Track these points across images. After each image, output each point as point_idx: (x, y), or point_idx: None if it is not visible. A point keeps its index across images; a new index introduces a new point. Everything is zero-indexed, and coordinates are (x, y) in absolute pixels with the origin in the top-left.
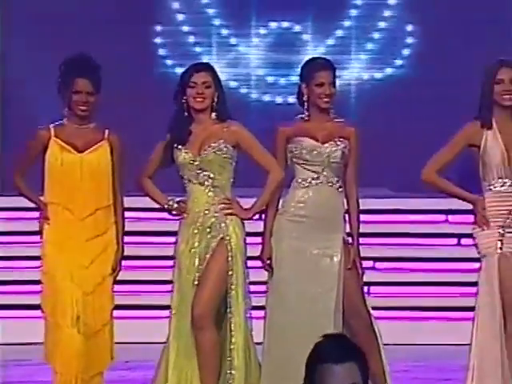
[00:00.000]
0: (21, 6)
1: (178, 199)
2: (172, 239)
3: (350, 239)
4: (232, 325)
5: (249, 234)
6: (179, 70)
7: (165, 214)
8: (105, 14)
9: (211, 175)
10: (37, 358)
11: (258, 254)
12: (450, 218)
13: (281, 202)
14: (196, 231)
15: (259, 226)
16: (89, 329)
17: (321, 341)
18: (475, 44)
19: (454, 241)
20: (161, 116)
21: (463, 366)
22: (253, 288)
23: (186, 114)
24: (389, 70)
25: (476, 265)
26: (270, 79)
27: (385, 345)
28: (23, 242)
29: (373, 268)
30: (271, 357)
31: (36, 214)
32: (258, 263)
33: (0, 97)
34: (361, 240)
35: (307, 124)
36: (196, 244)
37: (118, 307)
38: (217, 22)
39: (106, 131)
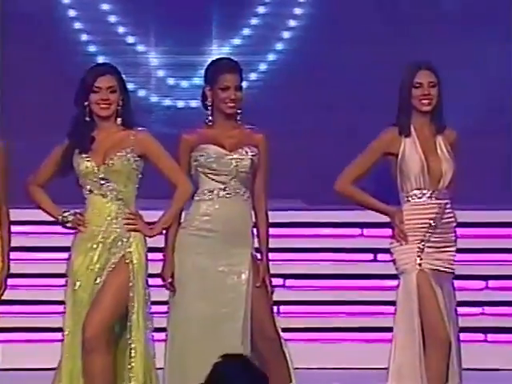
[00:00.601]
0: None
1: (73, 211)
2: (64, 255)
3: (258, 255)
4: (132, 351)
5: (149, 250)
6: None
7: (56, 228)
8: None
9: (116, 187)
10: None
11: (159, 271)
12: (366, 231)
13: (183, 214)
14: (95, 246)
15: (160, 241)
16: None
17: (220, 362)
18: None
19: (370, 256)
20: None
21: None
22: (154, 308)
23: (89, 119)
24: None
25: (393, 282)
26: (171, 81)
27: (296, 369)
28: None
29: (283, 286)
30: (173, 383)
31: None
32: (159, 281)
33: None
34: (270, 256)
35: (213, 131)
36: (95, 260)
37: (2, 330)
38: (112, 18)
39: None
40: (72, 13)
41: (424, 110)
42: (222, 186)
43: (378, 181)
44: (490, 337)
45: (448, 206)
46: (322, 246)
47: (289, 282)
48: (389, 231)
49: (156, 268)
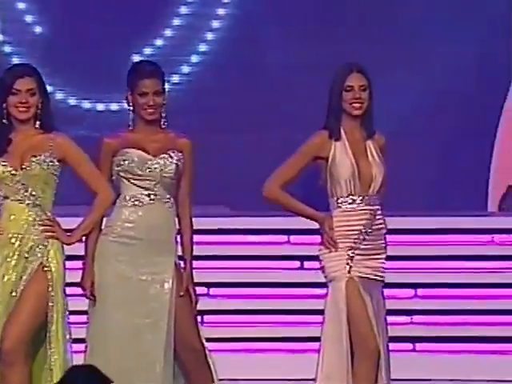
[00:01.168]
0: None
1: None
2: None
3: (182, 263)
4: (51, 363)
5: (68, 258)
6: None
7: None
8: None
9: (34, 192)
10: None
11: (78, 279)
12: (292, 238)
13: (104, 221)
14: (11, 254)
15: (80, 249)
16: None
17: (68, 370)
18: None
19: (297, 264)
20: None
21: None
22: (73, 318)
23: (6, 121)
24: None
25: (321, 290)
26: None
27: (220, 380)
28: None
29: (207, 294)
30: None
31: None
32: (79, 290)
33: None
34: (194, 264)
35: (136, 135)
36: (10, 270)
37: None
38: (29, 18)
39: None
40: None
41: (355, 114)
42: (146, 192)
43: (306, 185)
44: (419, 346)
45: (378, 211)
46: (248, 253)
47: (213, 291)
48: (316, 238)
49: (75, 276)
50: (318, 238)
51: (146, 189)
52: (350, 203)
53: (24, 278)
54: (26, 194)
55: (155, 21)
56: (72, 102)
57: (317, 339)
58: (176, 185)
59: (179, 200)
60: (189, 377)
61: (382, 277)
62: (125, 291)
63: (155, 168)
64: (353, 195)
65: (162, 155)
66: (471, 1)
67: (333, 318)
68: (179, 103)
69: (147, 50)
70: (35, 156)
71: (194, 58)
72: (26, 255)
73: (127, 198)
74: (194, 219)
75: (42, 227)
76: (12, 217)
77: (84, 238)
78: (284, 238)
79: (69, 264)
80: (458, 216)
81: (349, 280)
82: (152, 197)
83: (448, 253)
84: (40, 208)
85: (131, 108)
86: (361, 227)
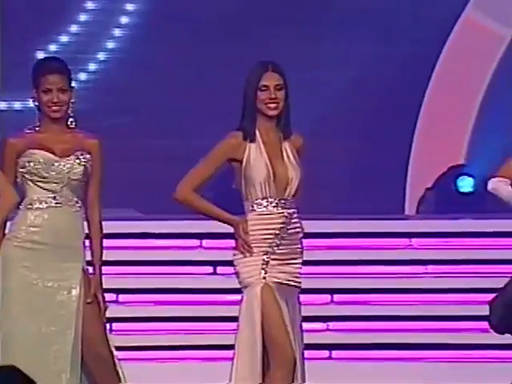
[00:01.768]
0: None
1: None
2: None
3: (90, 269)
4: None
5: None
6: None
7: None
8: None
9: None
10: None
11: None
12: (205, 242)
13: (8, 224)
14: None
15: None
16: None
17: None
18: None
19: (210, 269)
20: None
21: None
22: None
23: None
24: None
25: (235, 297)
26: None
27: None
28: None
29: (116, 301)
30: None
31: None
32: None
33: None
34: (104, 269)
35: (42, 135)
36: None
37: None
38: None
39: None
40: None
41: (270, 115)
42: (52, 195)
43: (219, 188)
44: (335, 353)
45: (294, 215)
46: (158, 258)
47: (122, 298)
48: (230, 242)
49: None
50: (231, 243)
51: (53, 191)
52: (265, 206)
53: None
54: None
55: (60, 16)
56: None
57: (230, 347)
58: (84, 187)
59: (88, 203)
60: None
61: (298, 282)
62: (30, 298)
63: (62, 170)
64: (268, 198)
65: (70, 156)
66: (395, 2)
67: (247, 326)
68: (87, 101)
69: (52, 47)
70: None
71: (101, 56)
72: None
73: (33, 201)
74: (103, 223)
75: None
76: None
77: None
78: (196, 242)
79: None
80: (375, 219)
81: (264, 286)
82: (58, 200)
83: (365, 257)
84: None
85: (37, 106)
86: (276, 231)
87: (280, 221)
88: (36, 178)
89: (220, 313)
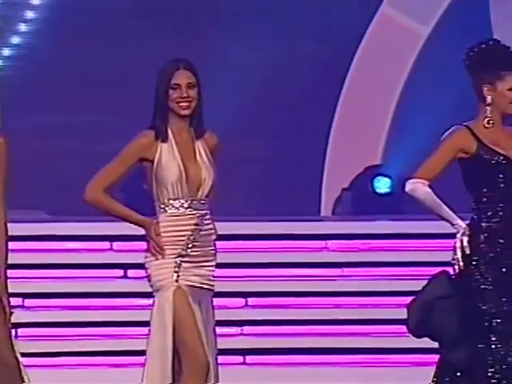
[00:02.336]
0: None
1: None
2: None
3: None
4: None
5: None
6: None
7: None
8: None
9: None
10: None
11: None
12: (115, 245)
13: None
14: None
15: None
16: None
17: None
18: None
19: (120, 272)
20: None
21: None
22: None
23: None
24: None
25: (146, 301)
26: None
27: None
28: None
29: (22, 306)
30: None
31: None
32: None
33: None
34: (9, 273)
35: None
36: None
37: None
38: None
39: None
40: None
41: (183, 114)
42: None
43: (130, 189)
44: (250, 359)
45: (207, 216)
46: (66, 261)
47: (28, 302)
48: (141, 245)
49: None
50: (143, 245)
51: None
52: (177, 208)
53: None
54: None
55: None
56: None
57: (142, 353)
58: None
59: None
60: None
61: (211, 285)
62: None
63: None
64: (180, 199)
65: None
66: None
67: (158, 330)
68: None
69: None
70: None
71: (6, 51)
72: None
73: None
74: (8, 224)
75: None
76: None
77: None
78: (106, 244)
79: None
80: (290, 221)
81: (176, 289)
82: None
83: (280, 260)
84: None
85: None
86: (189, 233)
87: (192, 222)
88: None
89: (131, 317)
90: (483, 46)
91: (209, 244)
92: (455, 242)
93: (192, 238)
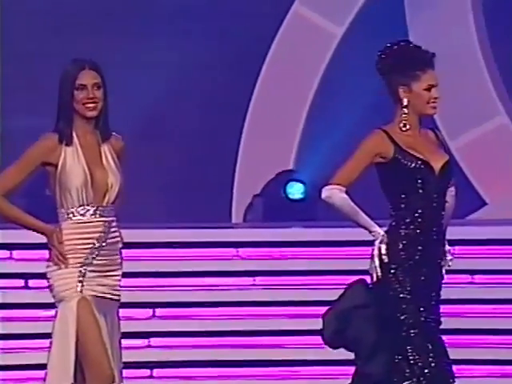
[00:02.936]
0: None
1: None
2: None
3: None
4: None
5: None
6: None
7: None
8: None
9: None
10: None
11: None
12: (16, 253)
13: None
14: None
15: None
16: None
17: None
18: None
19: (21, 282)
20: None
21: None
22: None
23: None
24: None
25: (49, 312)
26: None
27: None
28: None
29: None
30: None
31: None
32: None
33: None
34: None
35: None
36: None
37: None
38: None
39: None
40: None
41: (89, 116)
42: None
43: (32, 194)
44: (157, 372)
45: (114, 223)
46: None
47: None
48: (43, 253)
49: None
50: (45, 253)
51: None
52: (81, 214)
53: None
54: None
55: None
56: None
57: (43, 367)
58: None
59: None
60: None
61: (117, 295)
62: None
63: None
64: (85, 206)
65: None
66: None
67: (60, 343)
68: None
69: None
70: None
71: None
72: None
73: None
74: None
75: None
76: None
77: None
78: (6, 253)
79: None
80: (199, 228)
81: (80, 299)
82: None
83: (189, 268)
84: None
85: None
86: (94, 241)
87: (98, 229)
88: None
89: (31, 330)
90: (395, 47)
91: (115, 252)
92: (373, 250)
93: (97, 246)
